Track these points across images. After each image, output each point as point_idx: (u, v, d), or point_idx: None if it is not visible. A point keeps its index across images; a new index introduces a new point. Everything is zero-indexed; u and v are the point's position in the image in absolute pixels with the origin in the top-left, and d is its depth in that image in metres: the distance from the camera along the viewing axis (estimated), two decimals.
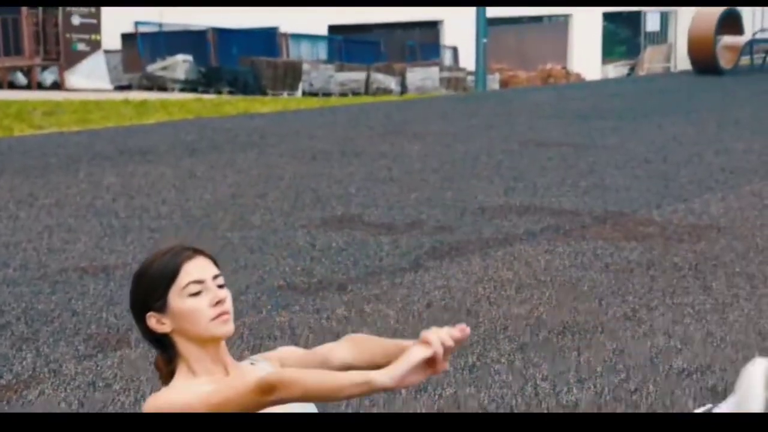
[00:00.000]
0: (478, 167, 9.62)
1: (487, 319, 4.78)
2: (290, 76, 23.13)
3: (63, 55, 22.31)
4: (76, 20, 22.21)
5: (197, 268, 2.52)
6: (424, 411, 3.69)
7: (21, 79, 22.19)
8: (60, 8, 21.79)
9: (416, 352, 2.32)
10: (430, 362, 2.36)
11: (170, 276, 2.52)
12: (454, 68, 26.22)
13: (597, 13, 30.08)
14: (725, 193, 8.02)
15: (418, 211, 7.37)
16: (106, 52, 23.03)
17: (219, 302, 2.47)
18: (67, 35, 22.17)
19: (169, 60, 23.18)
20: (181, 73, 23.03)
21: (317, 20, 24.59)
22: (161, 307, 2.52)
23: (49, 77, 22.60)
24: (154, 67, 23.22)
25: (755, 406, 2.07)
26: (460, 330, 2.38)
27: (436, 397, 3.85)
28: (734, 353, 4.29)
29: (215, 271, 2.54)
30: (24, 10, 21.36)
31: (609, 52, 31.21)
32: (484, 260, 5.91)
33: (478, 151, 10.66)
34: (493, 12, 23.49)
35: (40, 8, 21.68)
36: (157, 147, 10.98)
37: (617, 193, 8.02)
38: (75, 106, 16.10)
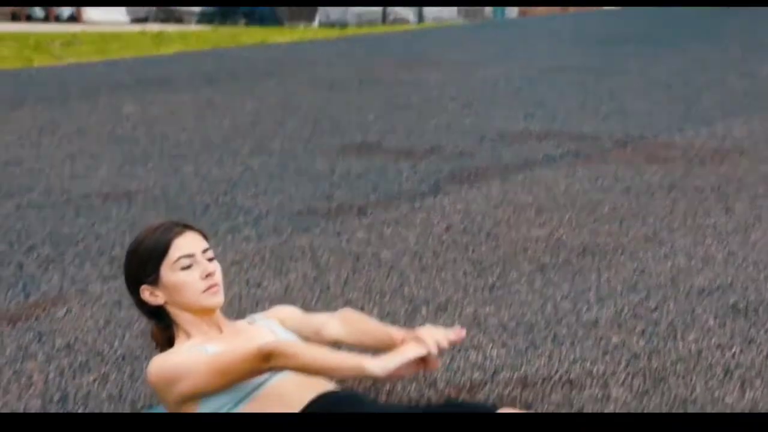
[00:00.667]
0: (497, 94, 9.58)
1: (507, 242, 4.80)
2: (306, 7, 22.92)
3: None
4: None
5: (187, 243, 2.63)
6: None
7: (38, 12, 22.13)
8: None
9: (411, 350, 2.37)
10: (422, 359, 2.41)
11: (162, 251, 2.61)
12: None
13: None
14: (749, 116, 7.96)
15: (437, 137, 7.36)
16: None
17: (209, 275, 2.61)
18: None
19: None
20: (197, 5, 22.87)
21: None
22: (154, 280, 2.63)
23: (66, 10, 22.52)
24: None
25: None
26: (456, 333, 2.42)
27: (456, 315, 3.89)
28: (756, 272, 4.29)
29: (205, 245, 2.67)
30: None
31: None
32: (504, 184, 5.91)
33: (496, 78, 10.60)
34: None
35: None
36: (176, 76, 10.97)
37: (638, 118, 7.98)
38: (93, 38, 16.07)
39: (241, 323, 2.79)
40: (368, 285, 4.24)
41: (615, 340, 3.60)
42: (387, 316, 3.87)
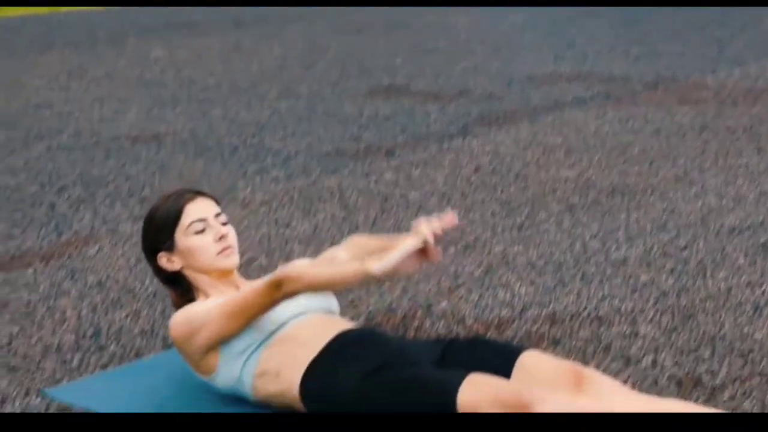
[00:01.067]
0: (526, 37, 9.50)
1: (536, 182, 4.79)
2: None
3: None
4: None
5: (199, 208, 2.74)
6: (472, 268, 3.74)
7: None
8: None
9: (407, 243, 2.42)
10: (423, 252, 2.45)
11: (174, 217, 2.73)
12: None
13: None
14: None
15: (465, 80, 7.32)
16: None
17: (222, 237, 2.72)
18: None
19: None
20: None
21: None
22: (170, 247, 2.74)
23: None
24: None
25: None
26: (449, 218, 2.45)
27: (485, 254, 3.89)
28: None
29: (217, 209, 2.77)
30: None
31: None
32: (533, 126, 5.89)
33: (524, 21, 10.51)
34: None
35: None
36: (203, 20, 10.95)
37: (669, 60, 7.90)
38: None
39: (258, 282, 2.85)
40: (396, 225, 4.25)
41: (644, 278, 3.59)
42: None
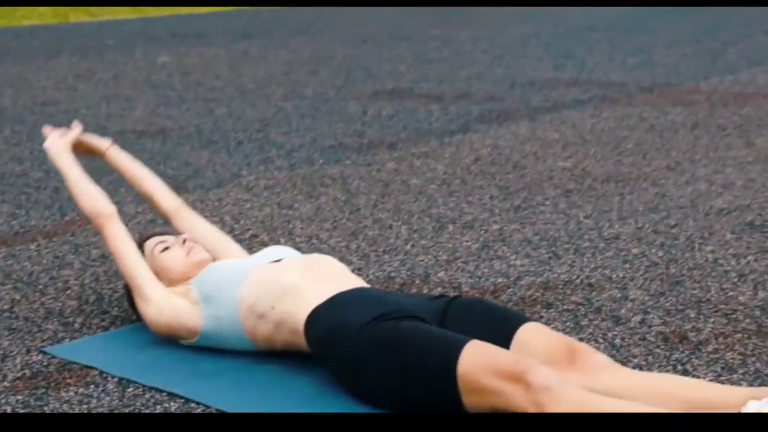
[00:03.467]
0: (528, 48, 9.65)
1: (533, 171, 4.91)
2: None
3: None
4: None
5: (156, 238, 3.09)
6: (470, 243, 3.85)
7: None
8: None
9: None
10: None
11: (140, 255, 3.03)
12: None
13: None
14: None
15: (467, 84, 7.46)
16: None
17: (184, 241, 3.02)
18: None
19: None
20: None
21: None
22: None
23: None
24: None
25: None
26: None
27: (482, 232, 4.01)
28: None
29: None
30: None
31: None
32: (532, 123, 6.02)
33: (526, 34, 10.67)
34: None
35: None
36: (211, 31, 11.12)
37: (665, 68, 8.04)
38: None
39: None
40: (397, 207, 4.37)
41: (635, 251, 3.71)
42: (415, 233, 4.01)
